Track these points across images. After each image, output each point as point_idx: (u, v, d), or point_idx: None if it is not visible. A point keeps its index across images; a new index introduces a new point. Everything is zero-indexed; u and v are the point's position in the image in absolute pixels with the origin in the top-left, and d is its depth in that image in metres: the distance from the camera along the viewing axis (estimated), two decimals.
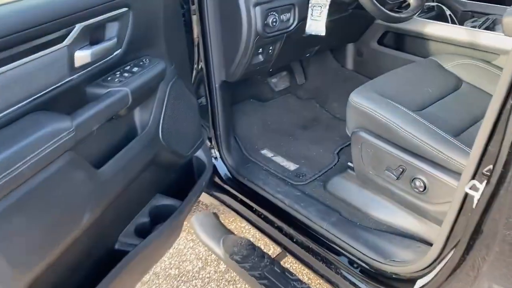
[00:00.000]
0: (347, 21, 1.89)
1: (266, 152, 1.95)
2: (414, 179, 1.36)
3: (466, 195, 1.07)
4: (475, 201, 1.02)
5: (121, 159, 1.19)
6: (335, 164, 1.86)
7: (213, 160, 1.82)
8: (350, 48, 2.30)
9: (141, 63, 1.26)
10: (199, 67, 1.71)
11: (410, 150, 1.35)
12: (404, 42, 2.07)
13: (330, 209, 1.61)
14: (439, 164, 1.29)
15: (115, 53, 1.18)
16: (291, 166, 1.86)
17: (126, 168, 1.20)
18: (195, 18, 1.61)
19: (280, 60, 1.80)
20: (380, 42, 2.15)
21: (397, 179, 1.40)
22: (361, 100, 1.44)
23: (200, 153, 1.66)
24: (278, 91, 2.29)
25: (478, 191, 1.01)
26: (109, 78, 1.16)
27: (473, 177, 1.04)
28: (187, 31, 1.61)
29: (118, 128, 1.24)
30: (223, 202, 1.88)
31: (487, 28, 1.83)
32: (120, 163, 1.18)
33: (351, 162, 1.63)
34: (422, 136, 1.31)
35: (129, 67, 1.22)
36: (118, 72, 1.19)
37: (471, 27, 1.84)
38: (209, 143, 1.84)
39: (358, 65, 2.30)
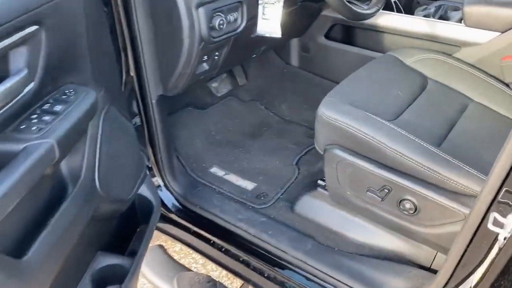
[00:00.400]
0: (295, 15, 1.66)
1: (216, 171, 1.69)
2: (402, 200, 1.21)
3: (480, 224, 0.94)
4: (502, 240, 0.88)
5: (52, 233, 0.87)
6: (296, 177, 1.66)
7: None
8: (295, 43, 2.07)
9: (64, 96, 0.93)
10: (129, 76, 1.39)
11: (396, 168, 1.19)
12: (354, 35, 1.90)
13: (302, 235, 1.42)
14: (430, 183, 1.15)
15: (27, 89, 0.85)
16: (248, 185, 1.63)
17: (60, 244, 0.89)
18: (120, 21, 1.28)
19: (225, 65, 1.54)
20: (327, 35, 1.96)
21: (382, 200, 1.24)
22: (333, 114, 1.25)
23: (142, 188, 1.36)
24: (220, 96, 2.02)
25: (503, 227, 0.88)
26: (22, 126, 0.83)
27: (490, 206, 0.91)
28: (112, 37, 1.28)
29: (41, 190, 0.91)
30: (172, 235, 1.61)
31: (441, 17, 1.72)
32: (51, 239, 0.86)
33: (321, 180, 1.45)
34: (409, 153, 1.16)
35: (48, 105, 0.89)
36: (35, 115, 0.86)
37: (424, 16, 1.72)
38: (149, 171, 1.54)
39: (304, 61, 2.09)
